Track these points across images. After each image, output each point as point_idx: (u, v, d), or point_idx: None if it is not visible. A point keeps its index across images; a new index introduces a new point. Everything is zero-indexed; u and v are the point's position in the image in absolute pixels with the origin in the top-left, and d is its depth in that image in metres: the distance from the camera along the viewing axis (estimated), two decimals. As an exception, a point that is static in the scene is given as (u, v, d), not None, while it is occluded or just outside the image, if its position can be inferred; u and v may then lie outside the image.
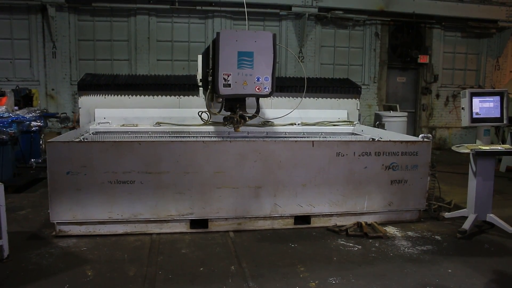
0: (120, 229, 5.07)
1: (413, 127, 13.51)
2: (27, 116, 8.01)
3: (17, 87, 9.27)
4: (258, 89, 5.23)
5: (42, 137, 8.84)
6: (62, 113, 9.80)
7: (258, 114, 5.92)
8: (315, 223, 5.46)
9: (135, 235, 5.05)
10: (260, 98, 5.85)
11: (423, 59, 13.08)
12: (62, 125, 9.96)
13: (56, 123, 10.60)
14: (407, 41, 13.07)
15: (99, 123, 7.11)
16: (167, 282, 3.89)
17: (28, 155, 8.38)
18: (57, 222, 4.96)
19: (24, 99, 9.13)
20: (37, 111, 8.45)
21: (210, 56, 5.41)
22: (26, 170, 8.13)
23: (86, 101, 7.33)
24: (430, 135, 5.85)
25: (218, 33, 5.03)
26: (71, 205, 4.91)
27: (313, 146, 5.31)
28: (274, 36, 5.21)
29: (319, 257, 4.50)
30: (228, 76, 5.09)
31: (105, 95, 7.34)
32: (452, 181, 8.11)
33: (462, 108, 5.50)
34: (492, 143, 5.73)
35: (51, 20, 10.98)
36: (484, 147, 5.25)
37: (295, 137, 7.04)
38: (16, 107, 8.38)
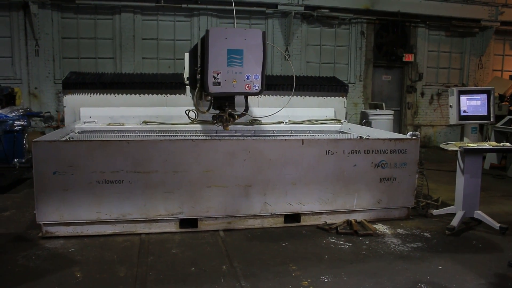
0: (108, 229, 4.99)
1: (398, 125, 13.63)
2: (10, 115, 7.84)
3: (-1, 86, 9.07)
4: (248, 87, 5.20)
5: (25, 136, 8.63)
6: (46, 112, 9.60)
7: (247, 112, 5.89)
8: (305, 221, 5.46)
9: (124, 235, 4.97)
10: (248, 97, 5.82)
11: (408, 57, 13.22)
12: (46, 125, 9.76)
13: (39, 123, 10.40)
14: (392, 40, 13.18)
15: (84, 122, 6.99)
16: (159, 282, 3.83)
17: (11, 155, 8.18)
18: (43, 223, 4.86)
19: (6, 98, 8.93)
20: (20, 110, 8.27)
21: (199, 54, 5.36)
22: (10, 170, 7.94)
23: (71, 100, 7.20)
24: (418, 133, 5.90)
25: (207, 31, 4.98)
26: (58, 205, 4.81)
27: (302, 144, 5.30)
28: (264, 33, 5.18)
29: (310, 255, 4.50)
30: (218, 74, 5.05)
31: (90, 94, 7.22)
32: (438, 179, 8.20)
33: (450, 106, 5.56)
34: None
35: (34, 18, 10.78)
36: (472, 145, 5.31)
37: (283, 135, 7.02)
38: (-2, 106, 8.20)
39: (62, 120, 7.77)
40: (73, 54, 11.42)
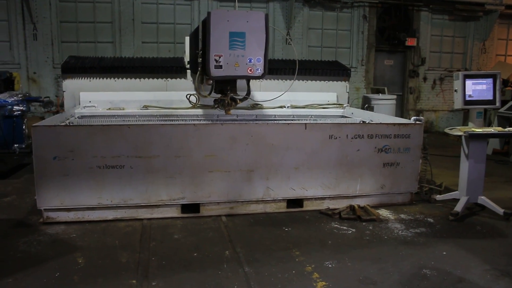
0: (110, 214, 4.96)
1: (400, 110, 13.53)
2: (9, 100, 7.75)
3: (-2, 70, 8.96)
4: (250, 70, 5.11)
5: (25, 122, 8.55)
6: (45, 97, 9.49)
7: (249, 96, 5.80)
8: (308, 206, 5.42)
9: (125, 220, 4.94)
10: (250, 80, 5.74)
11: (410, 42, 13.06)
12: (46, 110, 9.66)
13: (39, 108, 10.31)
14: (394, 24, 13.02)
15: (84, 107, 6.92)
16: (161, 268, 3.80)
17: (11, 141, 8.11)
18: (44, 209, 4.82)
19: (5, 82, 8.82)
20: (19, 95, 8.17)
21: (200, 37, 5.26)
22: (10, 156, 7.90)
23: (70, 85, 7.12)
24: (422, 117, 5.83)
25: (209, 13, 4.87)
26: (58, 191, 4.77)
27: (305, 128, 5.24)
28: (267, 16, 5.07)
29: (314, 240, 4.47)
30: (220, 58, 4.95)
31: (90, 78, 7.14)
32: (441, 164, 8.14)
33: (455, 90, 5.47)
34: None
35: (31, 1, 10.61)
36: (477, 130, 5.24)
37: (285, 120, 6.95)
38: (-3, 91, 8.11)
39: (62, 105, 7.69)
40: (72, 38, 11.27)
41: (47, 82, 11.14)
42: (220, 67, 4.98)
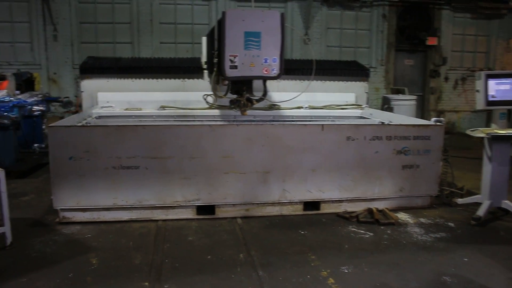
0: (125, 215, 4.95)
1: (421, 111, 13.27)
2: (29, 100, 7.85)
3: (18, 71, 9.09)
4: (266, 71, 5.04)
5: (44, 121, 8.68)
6: (64, 97, 9.61)
7: (265, 97, 5.73)
8: (325, 209, 5.32)
9: (140, 221, 4.93)
10: (267, 81, 5.67)
11: (431, 41, 12.79)
12: (65, 110, 9.80)
13: (59, 108, 10.41)
14: (415, 23, 12.77)
15: (102, 107, 6.97)
16: (174, 270, 3.76)
17: (31, 140, 8.24)
18: (60, 209, 4.85)
19: (25, 83, 8.96)
20: (39, 95, 8.29)
21: (216, 37, 5.21)
22: (30, 155, 8.00)
23: (88, 85, 7.18)
24: (442, 118, 5.67)
25: (224, 13, 4.82)
26: (74, 191, 4.79)
27: (322, 130, 5.14)
28: (282, 15, 4.99)
29: (330, 244, 4.37)
30: (235, 58, 4.89)
31: (108, 79, 7.18)
32: (463, 166, 7.91)
33: (477, 91, 5.29)
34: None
35: (52, 2, 10.77)
36: (500, 131, 5.06)
37: (302, 120, 6.86)
38: (17, 91, 8.22)
39: (81, 105, 7.75)
40: (91, 39, 11.38)
41: (67, 83, 11.27)
42: (235, 67, 4.92)
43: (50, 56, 11.13)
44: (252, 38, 4.88)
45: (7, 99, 6.98)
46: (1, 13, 10.84)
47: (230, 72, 4.94)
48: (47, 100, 8.68)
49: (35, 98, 8.06)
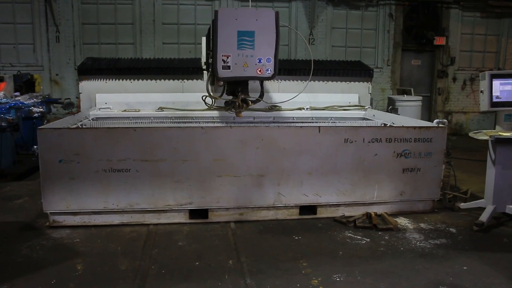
0: (116, 219, 4.84)
1: (428, 112, 13.04)
2: (28, 102, 7.80)
3: (18, 73, 9.07)
4: (260, 71, 4.90)
5: (45, 123, 8.63)
6: (66, 99, 9.60)
7: (262, 98, 5.58)
8: (322, 213, 5.17)
9: (131, 225, 4.81)
10: (265, 81, 5.52)
11: (439, 41, 12.55)
12: (66, 111, 9.74)
13: (61, 109, 10.40)
14: (422, 22, 12.54)
15: (100, 109, 6.87)
16: (159, 277, 3.64)
17: (30, 142, 8.19)
18: (50, 212, 4.75)
19: (26, 84, 8.94)
20: (39, 97, 8.25)
21: (211, 37, 5.09)
22: (28, 157, 7.95)
23: (86, 86, 7.09)
24: (445, 120, 5.48)
25: (216, 11, 4.71)
26: (64, 194, 4.68)
27: (319, 132, 4.99)
28: (277, 13, 4.85)
29: (324, 251, 4.21)
30: (227, 58, 4.76)
31: (106, 80, 7.08)
32: (469, 169, 7.71)
33: (481, 91, 5.11)
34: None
35: (54, 4, 10.75)
36: (504, 134, 4.87)
37: (303, 122, 6.70)
38: (17, 93, 8.18)
39: (81, 107, 7.68)
40: (93, 39, 11.34)
41: (69, 84, 11.25)
42: (228, 67, 4.80)
43: (52, 57, 11.12)
44: (245, 38, 4.75)
45: (4, 100, 6.93)
46: (4, 14, 10.85)
47: (222, 73, 4.82)
48: (47, 101, 8.64)
49: (35, 100, 8.01)
